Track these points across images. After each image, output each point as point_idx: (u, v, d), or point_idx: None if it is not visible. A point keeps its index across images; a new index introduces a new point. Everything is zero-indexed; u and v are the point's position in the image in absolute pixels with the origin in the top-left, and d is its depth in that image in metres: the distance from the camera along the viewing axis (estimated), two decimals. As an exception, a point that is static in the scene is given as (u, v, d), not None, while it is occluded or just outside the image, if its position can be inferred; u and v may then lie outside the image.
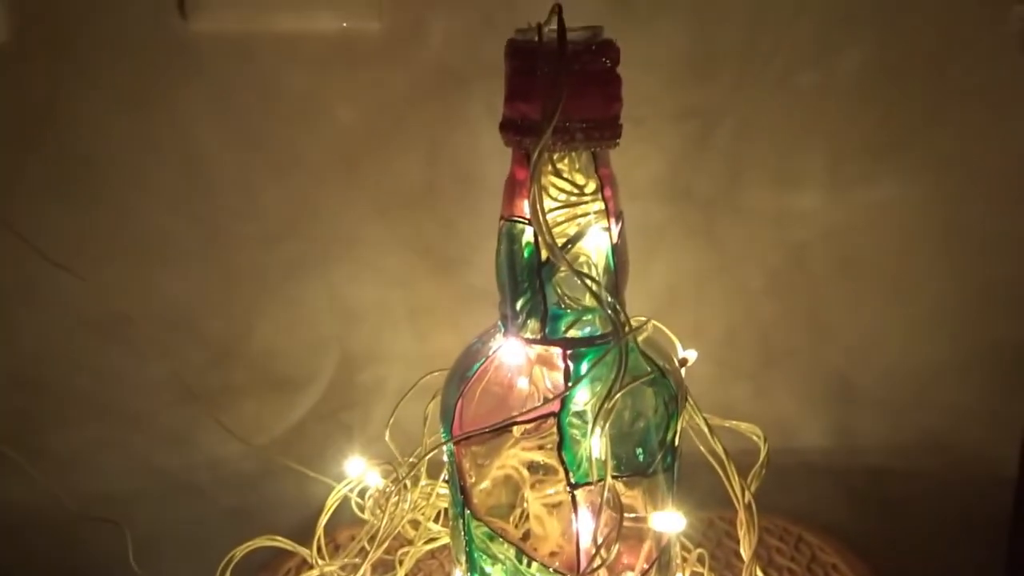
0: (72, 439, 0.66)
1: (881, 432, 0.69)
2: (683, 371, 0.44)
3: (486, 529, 0.39)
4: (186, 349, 0.64)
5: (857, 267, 0.66)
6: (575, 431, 0.36)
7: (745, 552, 0.43)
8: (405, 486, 0.49)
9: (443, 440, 0.38)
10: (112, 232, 0.62)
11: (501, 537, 0.38)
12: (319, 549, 0.52)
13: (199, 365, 0.65)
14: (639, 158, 0.63)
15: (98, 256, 0.62)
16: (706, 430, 0.41)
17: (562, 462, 0.35)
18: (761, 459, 0.45)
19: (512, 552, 0.38)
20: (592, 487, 0.35)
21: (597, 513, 0.35)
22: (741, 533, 0.44)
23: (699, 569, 0.53)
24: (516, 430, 0.38)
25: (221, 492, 0.68)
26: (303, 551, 0.53)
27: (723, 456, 0.42)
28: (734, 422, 0.48)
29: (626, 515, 0.36)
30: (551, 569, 0.37)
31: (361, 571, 0.47)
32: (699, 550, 0.54)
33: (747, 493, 0.43)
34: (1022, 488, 0.70)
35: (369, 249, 0.65)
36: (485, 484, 0.40)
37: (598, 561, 0.34)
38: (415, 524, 0.55)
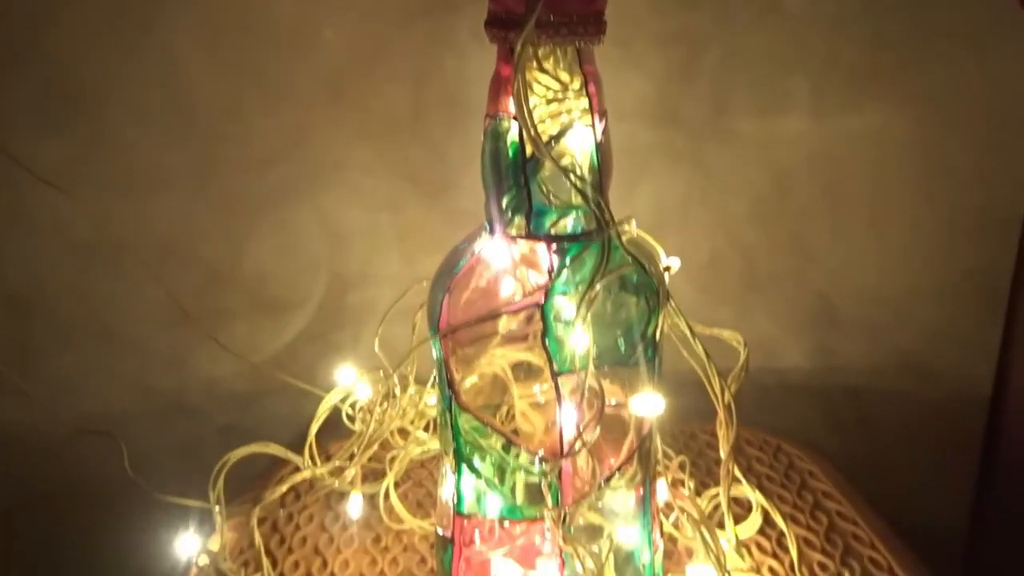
0: (67, 362, 0.67)
1: (860, 353, 0.71)
2: (666, 278, 0.45)
3: (474, 424, 0.40)
4: (178, 273, 0.65)
5: (839, 193, 0.67)
6: (559, 325, 0.38)
7: (723, 449, 0.44)
8: (393, 393, 0.50)
9: (431, 335, 0.40)
10: (102, 157, 0.63)
11: (488, 426, 0.39)
12: (311, 455, 0.54)
13: (191, 289, 0.65)
14: (625, 81, 0.64)
15: (89, 181, 0.62)
16: (687, 332, 0.42)
17: (546, 351, 0.36)
18: (741, 362, 0.46)
19: (499, 444, 0.40)
20: (574, 375, 0.37)
21: (579, 399, 0.36)
22: (720, 433, 0.45)
23: (680, 475, 0.55)
24: (502, 326, 0.39)
25: (215, 411, 0.69)
26: (295, 458, 0.55)
27: (703, 357, 0.43)
28: (716, 330, 0.49)
29: (607, 402, 0.37)
30: (537, 455, 0.39)
31: (349, 471, 0.49)
32: (680, 457, 0.56)
33: (727, 393, 0.44)
34: (995, 407, 0.73)
35: (358, 173, 0.65)
36: (472, 380, 0.41)
37: (579, 445, 0.36)
38: (404, 434, 0.57)
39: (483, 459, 0.41)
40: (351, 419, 0.57)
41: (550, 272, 0.37)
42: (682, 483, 0.53)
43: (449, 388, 0.40)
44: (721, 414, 0.45)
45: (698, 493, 0.53)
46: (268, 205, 0.65)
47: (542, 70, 0.36)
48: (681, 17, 0.63)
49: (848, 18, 0.62)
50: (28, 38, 0.59)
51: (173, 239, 0.65)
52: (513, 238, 0.38)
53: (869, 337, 0.70)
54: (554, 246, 0.37)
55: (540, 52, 0.35)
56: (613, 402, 0.38)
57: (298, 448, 0.56)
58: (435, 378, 0.44)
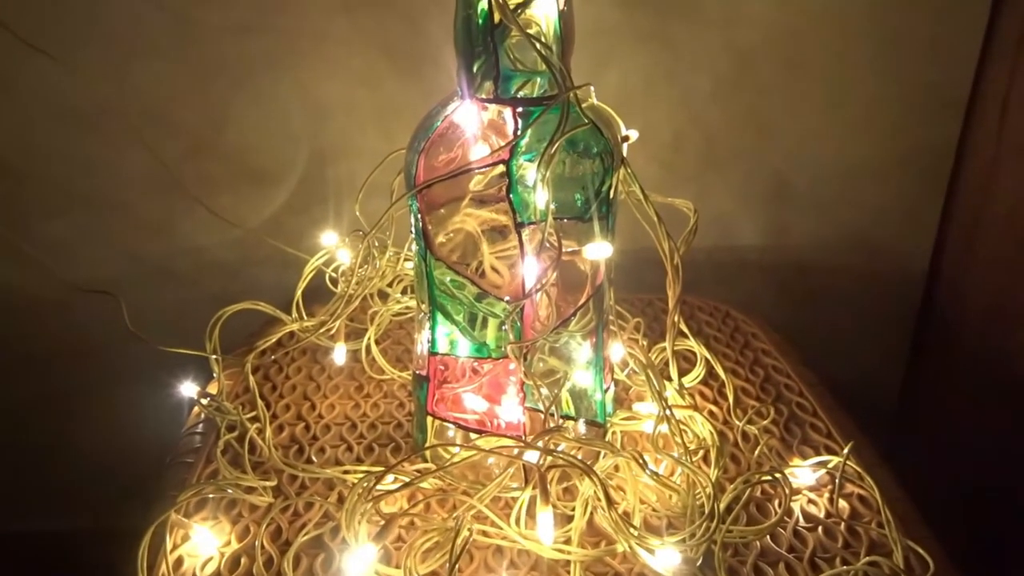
0: (55, 227, 0.70)
1: (810, 230, 0.76)
2: (625, 149, 0.49)
3: (448, 275, 0.44)
4: (163, 141, 0.67)
5: (799, 70, 0.70)
6: (523, 188, 0.41)
7: (670, 301, 0.49)
8: (373, 247, 0.54)
9: (407, 191, 0.43)
10: (85, 19, 0.64)
11: (457, 273, 0.44)
12: (299, 312, 0.58)
13: (175, 156, 0.68)
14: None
15: (72, 44, 0.64)
16: (640, 194, 0.46)
17: (510, 203, 0.40)
18: (691, 225, 0.50)
19: (472, 294, 0.44)
20: (535, 226, 0.41)
21: (539, 247, 0.41)
22: (670, 293, 0.50)
23: (635, 336, 0.60)
24: (472, 184, 0.43)
25: (204, 279, 0.73)
26: (284, 316, 0.59)
27: (655, 219, 0.47)
28: (669, 199, 0.53)
29: (564, 249, 0.41)
30: (504, 300, 0.43)
31: (334, 324, 0.54)
32: (636, 319, 0.61)
33: (676, 255, 0.48)
34: (932, 280, 0.78)
35: (337, 46, 0.67)
36: (446, 237, 0.45)
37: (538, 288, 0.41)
38: (384, 297, 0.62)
39: (454, 307, 0.45)
40: (334, 282, 0.61)
41: (515, 132, 0.40)
42: (636, 341, 0.59)
43: (424, 240, 0.44)
44: (670, 273, 0.49)
45: (650, 349, 0.59)
46: (248, 74, 0.67)
47: (510, -60, 0.38)
48: None
49: None
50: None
51: (157, 105, 0.67)
52: (482, 101, 0.41)
53: (819, 214, 0.75)
54: (519, 109, 0.40)
55: (508, -78, 0.38)
56: (569, 250, 0.43)
57: (288, 312, 0.60)
58: (411, 237, 0.48)
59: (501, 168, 0.41)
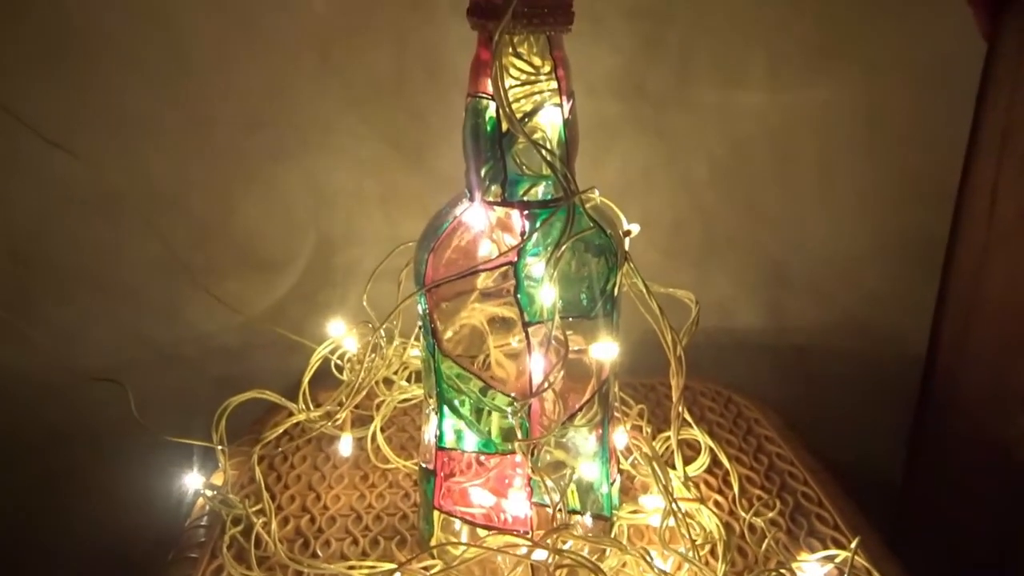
0: (63, 312, 0.71)
1: (808, 313, 0.77)
2: (627, 241, 0.50)
3: (455, 369, 0.45)
4: (171, 229, 0.69)
5: (793, 161, 0.72)
6: (529, 283, 0.43)
7: (674, 394, 0.50)
8: (380, 339, 0.55)
9: (416, 291, 0.44)
10: (99, 111, 0.66)
11: (465, 370, 0.44)
12: (305, 401, 0.59)
13: (184, 244, 0.69)
14: (597, 57, 0.68)
15: (86, 135, 0.66)
16: (643, 288, 0.47)
17: (518, 304, 0.41)
18: (692, 317, 0.51)
19: (477, 388, 0.45)
20: (543, 326, 0.42)
21: (546, 346, 0.41)
22: (672, 382, 0.51)
23: (639, 422, 0.60)
24: (479, 282, 0.44)
25: (209, 363, 0.74)
26: (290, 404, 0.59)
27: (657, 312, 0.48)
28: (671, 289, 0.54)
29: (571, 349, 0.42)
30: (510, 396, 0.44)
31: (340, 415, 0.54)
32: (640, 406, 0.61)
33: (678, 346, 0.49)
34: (930, 366, 0.79)
35: (343, 137, 0.69)
36: (454, 332, 0.46)
37: (546, 385, 0.41)
38: (389, 383, 0.62)
39: (462, 401, 0.46)
40: (339, 370, 0.62)
41: (522, 234, 0.42)
42: (640, 429, 0.59)
43: (433, 337, 0.45)
44: (673, 364, 0.50)
45: (654, 437, 0.59)
46: (257, 165, 0.69)
47: (517, 55, 0.40)
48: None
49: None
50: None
51: (166, 194, 0.69)
52: (490, 204, 0.43)
53: (816, 298, 0.77)
54: (526, 211, 0.42)
55: (515, 39, 0.40)
56: (576, 349, 0.43)
57: (291, 396, 0.61)
58: (419, 330, 0.49)
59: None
